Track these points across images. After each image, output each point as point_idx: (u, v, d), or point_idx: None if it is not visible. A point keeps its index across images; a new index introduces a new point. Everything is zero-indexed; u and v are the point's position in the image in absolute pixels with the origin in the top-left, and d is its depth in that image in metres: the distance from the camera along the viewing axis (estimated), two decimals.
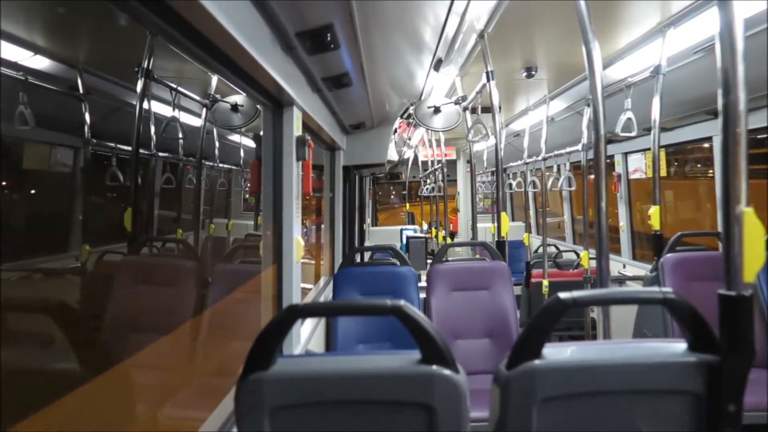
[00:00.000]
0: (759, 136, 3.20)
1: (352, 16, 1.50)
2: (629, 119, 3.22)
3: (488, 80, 2.96)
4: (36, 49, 2.11)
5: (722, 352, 1.03)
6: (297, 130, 1.89)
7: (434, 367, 1.00)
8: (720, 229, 1.17)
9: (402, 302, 1.02)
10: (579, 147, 4.48)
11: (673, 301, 1.04)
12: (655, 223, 3.23)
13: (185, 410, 2.00)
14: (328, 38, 1.55)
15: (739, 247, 1.06)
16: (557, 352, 1.05)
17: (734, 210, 1.07)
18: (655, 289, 1.08)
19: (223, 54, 1.29)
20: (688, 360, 1.03)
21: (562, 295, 1.04)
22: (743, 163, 1.08)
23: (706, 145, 3.91)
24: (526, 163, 5.89)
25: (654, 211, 3.23)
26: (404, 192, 10.75)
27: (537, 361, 1.02)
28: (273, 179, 1.86)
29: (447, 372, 1.00)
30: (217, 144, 4.16)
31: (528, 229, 6.77)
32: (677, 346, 1.07)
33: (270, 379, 1.00)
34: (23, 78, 2.10)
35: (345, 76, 2.08)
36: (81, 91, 2.40)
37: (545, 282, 4.33)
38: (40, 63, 2.18)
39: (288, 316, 1.04)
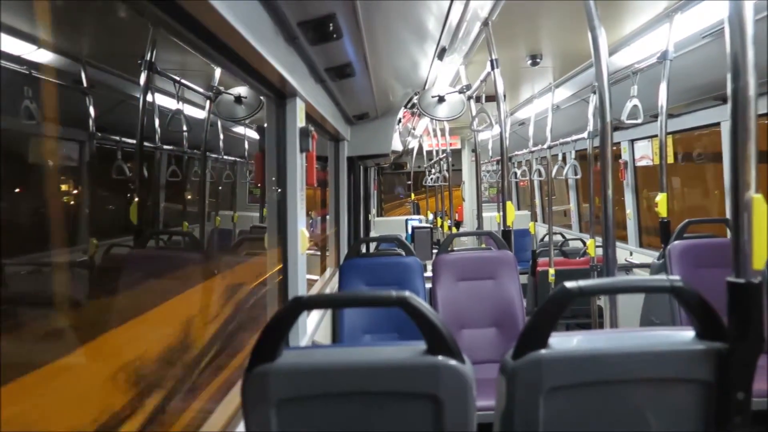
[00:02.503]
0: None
1: (354, 5, 1.48)
2: (635, 106, 3.19)
3: (492, 69, 2.93)
4: (39, 43, 2.11)
5: (731, 340, 1.02)
6: (300, 121, 1.88)
7: (440, 357, 1.00)
8: (728, 215, 1.16)
9: (407, 293, 1.01)
10: (585, 135, 4.45)
11: (681, 289, 1.03)
12: (662, 210, 3.21)
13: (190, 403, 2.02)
14: (331, 28, 1.54)
15: (748, 234, 1.05)
16: (564, 342, 1.04)
17: (743, 196, 1.06)
18: (663, 277, 1.08)
19: (225, 45, 1.28)
20: (697, 348, 1.03)
21: (568, 284, 1.03)
22: (752, 148, 1.06)
23: None
24: (532, 152, 5.86)
25: (661, 198, 3.21)
26: (409, 182, 10.72)
27: (543, 351, 1.02)
28: (277, 171, 1.86)
29: (453, 362, 1.00)
30: (221, 136, 4.16)
31: (534, 218, 6.76)
32: (685, 334, 1.06)
33: (276, 371, 1.00)
34: (27, 72, 2.10)
35: (348, 66, 2.07)
36: (85, 84, 2.39)
37: (551, 271, 4.32)
38: (44, 57, 2.17)
39: (293, 308, 1.04)
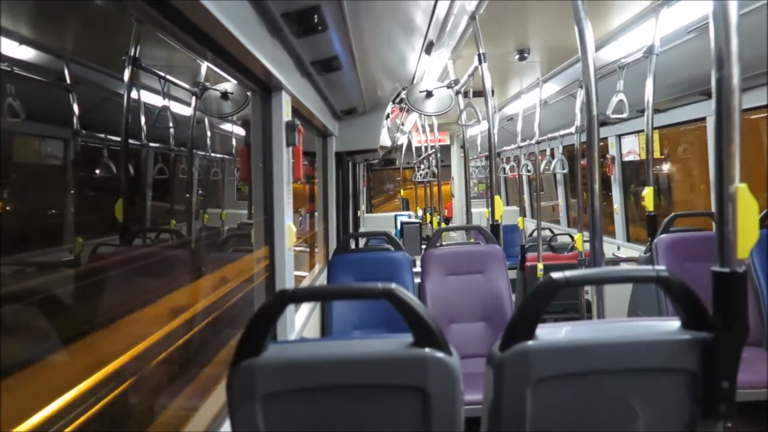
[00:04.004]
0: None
1: None
2: (621, 101, 3.21)
3: (480, 63, 2.94)
4: (22, 40, 2.07)
5: (716, 329, 1.02)
6: (286, 115, 1.86)
7: (427, 349, 1.00)
8: (713, 209, 1.16)
9: (393, 285, 1.01)
10: (572, 130, 4.47)
11: (667, 279, 1.04)
12: (648, 204, 3.23)
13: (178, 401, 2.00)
14: (316, 20, 1.52)
15: (732, 225, 1.06)
16: (551, 333, 1.04)
17: (728, 188, 1.06)
18: (649, 267, 1.08)
19: (209, 37, 1.26)
20: (682, 337, 1.03)
21: (555, 275, 1.03)
22: (737, 140, 1.07)
23: None
24: (520, 147, 5.87)
25: (648, 192, 3.23)
26: (398, 178, 10.73)
27: (530, 342, 1.02)
28: (263, 166, 1.84)
29: (440, 354, 0.99)
30: (208, 133, 4.13)
31: (522, 213, 6.78)
32: (671, 324, 1.06)
33: (261, 365, 0.98)
34: (9, 69, 2.06)
35: (334, 60, 2.05)
36: (68, 81, 2.36)
37: (540, 265, 4.33)
38: (26, 53, 2.14)
39: (278, 301, 1.03)
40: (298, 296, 1.12)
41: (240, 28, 1.27)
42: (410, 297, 1.01)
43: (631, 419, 1.06)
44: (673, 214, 3.13)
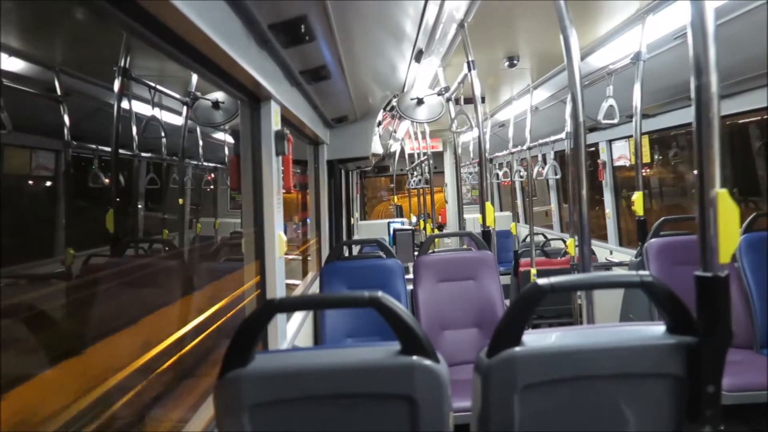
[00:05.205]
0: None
1: (325, 7, 1.48)
2: (611, 106, 3.24)
3: (469, 70, 2.95)
4: (11, 51, 2.07)
5: (700, 334, 1.03)
6: (276, 124, 1.87)
7: (414, 357, 1.00)
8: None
9: (379, 293, 1.01)
10: (563, 135, 4.49)
11: (650, 284, 1.05)
12: (638, 209, 3.25)
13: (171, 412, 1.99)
14: (303, 30, 1.53)
15: (714, 229, 1.07)
16: (537, 339, 1.05)
17: (708, 193, 1.08)
18: (633, 273, 1.09)
19: (196, 50, 1.26)
20: (667, 342, 1.04)
21: (540, 281, 1.04)
22: (716, 146, 1.09)
23: None
24: (512, 153, 5.90)
25: (637, 197, 3.25)
26: (392, 185, 10.75)
27: (517, 348, 1.02)
28: (253, 175, 1.84)
29: (427, 362, 1.00)
30: (200, 142, 4.13)
31: (516, 219, 6.80)
32: (656, 329, 1.07)
33: (248, 376, 0.98)
34: None
35: (323, 69, 2.06)
36: (59, 92, 2.36)
37: (533, 270, 4.34)
38: (16, 65, 2.14)
39: (265, 311, 1.03)
40: (285, 306, 1.13)
41: (227, 40, 1.28)
42: (396, 305, 1.02)
43: (619, 424, 1.06)
44: (662, 218, 3.15)
